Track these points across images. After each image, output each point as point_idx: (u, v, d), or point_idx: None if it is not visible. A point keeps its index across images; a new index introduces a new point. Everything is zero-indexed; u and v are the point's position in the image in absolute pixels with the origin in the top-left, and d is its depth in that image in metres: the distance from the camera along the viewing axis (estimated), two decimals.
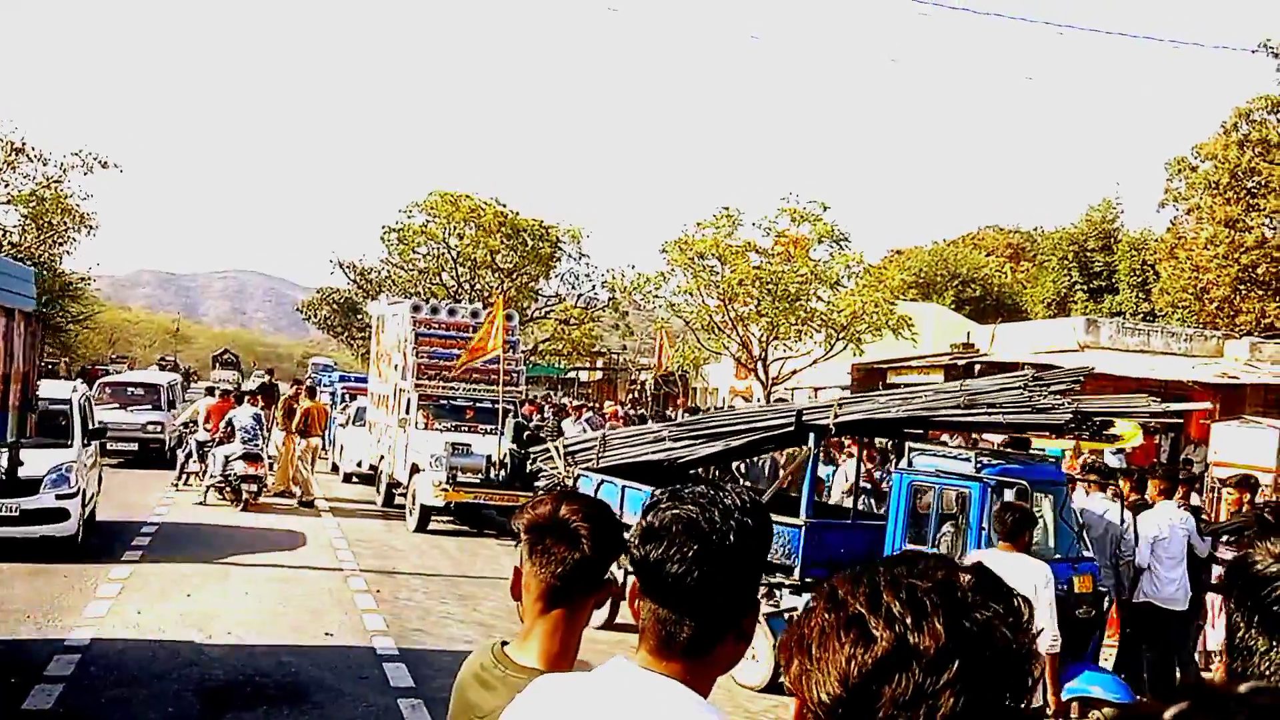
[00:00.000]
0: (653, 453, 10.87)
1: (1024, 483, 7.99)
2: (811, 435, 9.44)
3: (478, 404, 17.49)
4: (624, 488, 10.54)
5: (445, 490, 15.29)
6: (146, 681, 7.69)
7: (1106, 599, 8.14)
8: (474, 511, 16.18)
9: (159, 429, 21.82)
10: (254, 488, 16.19)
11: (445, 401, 17.47)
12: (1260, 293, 27.42)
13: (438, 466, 15.42)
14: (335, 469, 22.50)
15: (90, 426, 13.07)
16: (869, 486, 13.15)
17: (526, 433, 16.92)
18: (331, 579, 11.79)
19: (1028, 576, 6.15)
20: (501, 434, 16.05)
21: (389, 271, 41.58)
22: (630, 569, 1.72)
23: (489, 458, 15.64)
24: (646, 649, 1.67)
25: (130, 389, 23.29)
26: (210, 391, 22.73)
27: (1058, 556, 7.91)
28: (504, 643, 2.21)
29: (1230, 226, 27.33)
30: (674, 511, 1.67)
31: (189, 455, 18.02)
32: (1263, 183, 27.05)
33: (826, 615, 1.07)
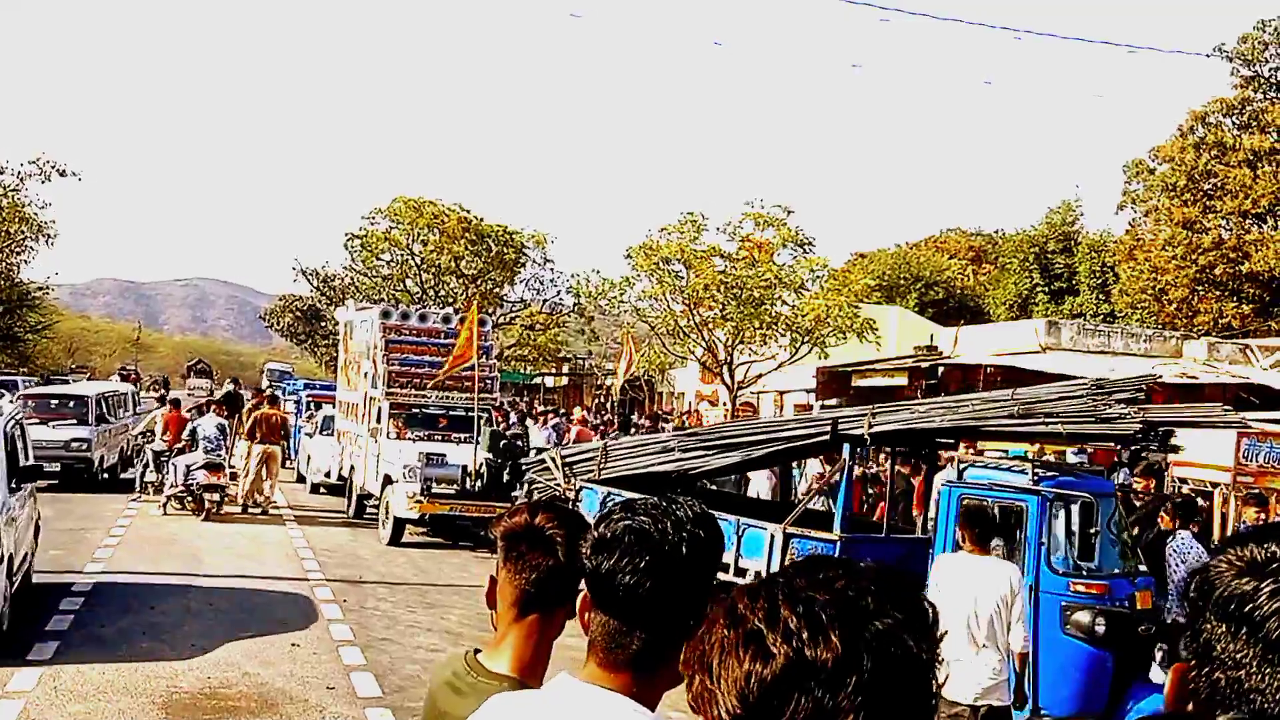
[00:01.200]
0: (660, 464, 10.52)
1: (1087, 495, 7.73)
2: (845, 446, 9.17)
3: (451, 412, 17.03)
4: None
5: (419, 502, 14.84)
6: (112, 696, 7.60)
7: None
8: (449, 523, 15.69)
9: (84, 447, 18.73)
10: (216, 496, 16.14)
11: (417, 410, 16.99)
12: (1217, 293, 27.86)
13: (411, 477, 14.99)
14: (302, 479, 21.99)
15: (23, 461, 10.09)
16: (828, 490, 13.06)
17: (503, 442, 16.44)
18: (297, 589, 11.70)
19: (1003, 577, 6.22)
20: (477, 443, 15.59)
21: (352, 278, 41.34)
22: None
23: (464, 468, 15.21)
24: (595, 661, 1.66)
25: (53, 402, 20.39)
26: (163, 401, 22.02)
27: (1116, 571, 7.81)
28: (476, 650, 2.21)
29: (1188, 228, 27.75)
30: (626, 522, 1.67)
31: (146, 465, 17.86)
32: (1219, 185, 27.50)
33: (726, 631, 1.05)
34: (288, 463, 24.15)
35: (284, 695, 7.89)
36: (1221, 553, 0.99)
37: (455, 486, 15.08)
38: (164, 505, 16.37)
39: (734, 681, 1.02)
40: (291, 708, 7.65)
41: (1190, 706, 0.98)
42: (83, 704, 7.41)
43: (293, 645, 9.27)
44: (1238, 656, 0.93)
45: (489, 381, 17.08)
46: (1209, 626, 0.96)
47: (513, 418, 25.62)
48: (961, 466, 8.49)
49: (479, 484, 15.12)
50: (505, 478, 15.11)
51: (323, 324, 49.98)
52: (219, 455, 16.42)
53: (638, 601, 1.63)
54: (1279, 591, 0.92)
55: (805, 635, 1.00)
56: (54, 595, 10.39)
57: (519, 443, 17.45)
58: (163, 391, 26.77)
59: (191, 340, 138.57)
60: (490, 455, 15.54)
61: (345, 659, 8.96)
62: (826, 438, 9.38)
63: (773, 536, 9.15)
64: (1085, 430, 8.10)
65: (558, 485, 11.02)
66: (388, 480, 15.60)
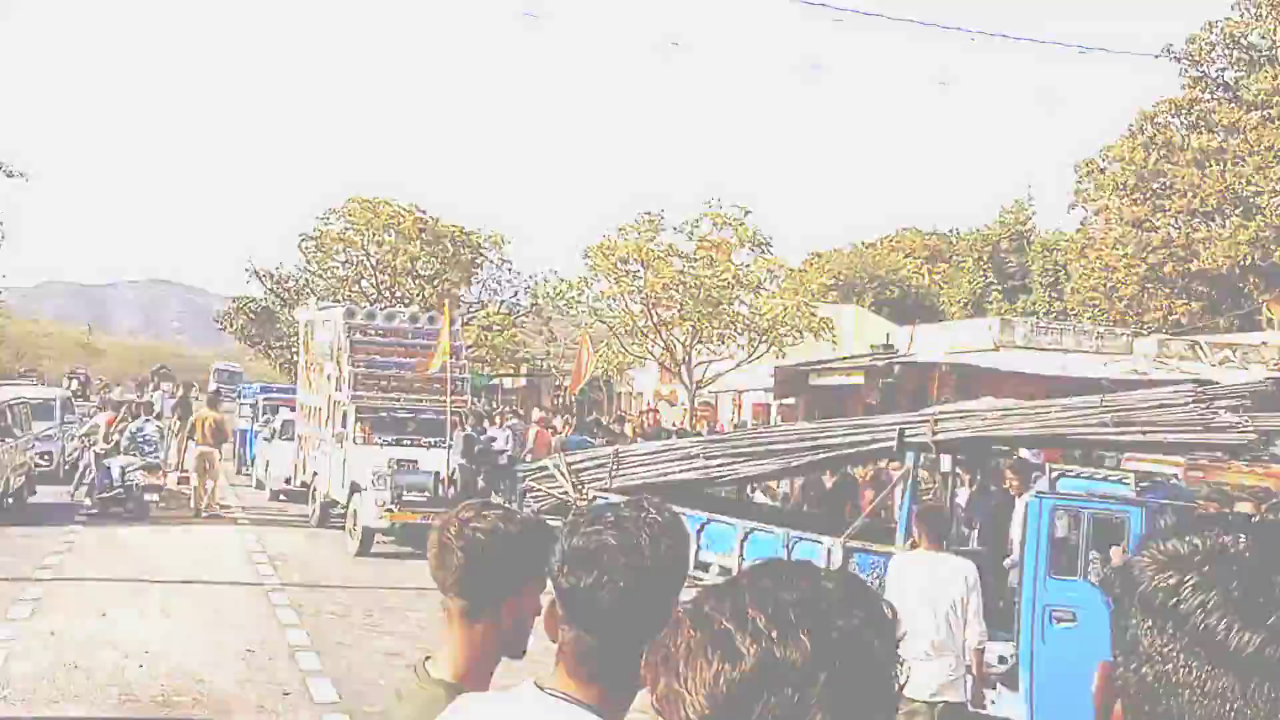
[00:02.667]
0: (680, 471, 9.99)
1: (1195, 508, 7.43)
2: (910, 454, 8.66)
3: (420, 415, 16.34)
4: None
5: (390, 511, 14.12)
6: (64, 704, 7.46)
7: None
8: (420, 533, 14.59)
9: None
10: (155, 497, 16.25)
11: (385, 414, 16.24)
12: (1167, 291, 28.33)
13: (381, 485, 14.26)
14: (260, 485, 21.26)
15: None
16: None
17: (478, 447, 15.93)
18: (252, 594, 11.56)
19: (959, 574, 6.28)
20: (450, 448, 14.95)
21: (307, 279, 40.94)
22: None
23: (437, 474, 14.49)
24: (565, 670, 1.63)
25: None
26: (105, 406, 21.41)
27: None
28: (427, 658, 2.19)
29: (1137, 227, 28.19)
30: (601, 537, 1.62)
31: (87, 468, 17.67)
32: (1168, 184, 27.96)
33: (693, 633, 1.05)
34: (244, 470, 23.92)
35: (239, 701, 7.80)
36: (1145, 549, 1.00)
37: (427, 494, 14.34)
38: (102, 506, 16.20)
39: (703, 682, 1.01)
40: (247, 714, 7.56)
41: (1119, 704, 0.98)
42: (34, 713, 7.27)
43: (248, 651, 9.15)
44: (1165, 651, 0.93)
45: (460, 383, 16.39)
46: (1134, 622, 0.97)
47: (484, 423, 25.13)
48: (1054, 476, 8.00)
49: (453, 491, 14.32)
50: (480, 484, 14.72)
51: (277, 326, 49.41)
52: (155, 456, 16.54)
53: (615, 617, 1.59)
54: (1202, 584, 0.93)
55: (774, 635, 1.00)
56: (2, 601, 10.19)
57: (494, 447, 16.79)
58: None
59: (143, 343, 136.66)
60: (464, 461, 14.98)
61: (302, 664, 8.86)
62: (891, 445, 8.73)
63: (830, 551, 8.62)
64: (1193, 440, 7.65)
65: (564, 495, 10.41)
66: (355, 488, 14.88)
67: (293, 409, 21.81)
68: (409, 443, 15.84)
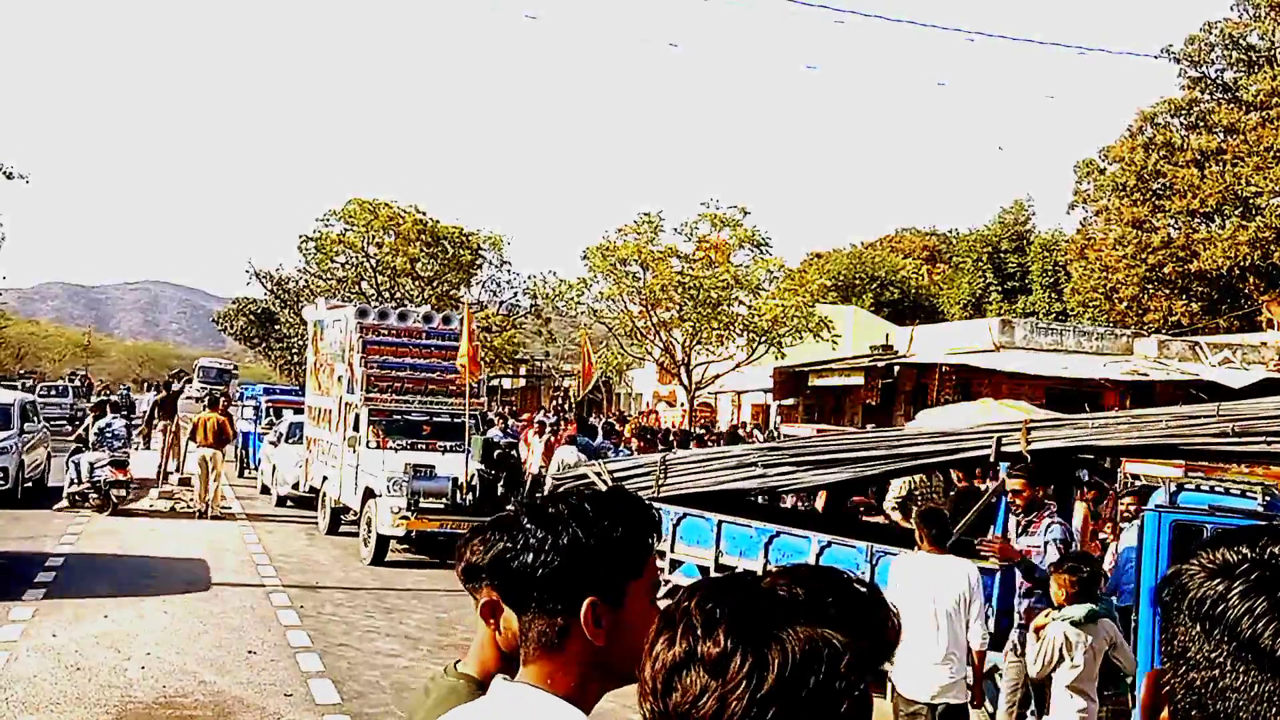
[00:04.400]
0: (736, 480, 9.58)
1: None
2: (1003, 465, 8.31)
3: (435, 418, 15.87)
4: (720, 523, 9.28)
5: (406, 518, 13.65)
6: (65, 707, 7.46)
7: None
8: (433, 540, 14.39)
9: None
10: (122, 492, 16.64)
11: (399, 417, 15.72)
12: (1167, 291, 28.33)
13: (396, 491, 13.78)
14: (266, 490, 20.72)
15: None
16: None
17: (497, 451, 14.97)
18: (253, 595, 11.56)
19: (961, 575, 6.29)
20: (468, 453, 14.32)
21: (307, 281, 40.98)
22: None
23: (455, 480, 13.92)
24: (524, 659, 1.68)
25: None
26: (116, 407, 21.89)
27: None
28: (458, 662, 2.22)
29: (1137, 227, 28.20)
30: (518, 511, 1.72)
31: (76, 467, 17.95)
32: (1167, 184, 27.97)
33: (658, 623, 1.20)
34: (247, 473, 23.83)
35: (241, 703, 7.80)
36: (1194, 556, 1.02)
37: (445, 501, 13.84)
38: (71, 501, 16.59)
39: (650, 663, 1.16)
40: (248, 716, 7.56)
41: (1166, 710, 1.01)
42: (35, 715, 7.27)
43: (249, 652, 9.16)
44: (1212, 657, 0.95)
45: (476, 385, 15.90)
46: (1182, 629, 0.99)
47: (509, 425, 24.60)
48: (1173, 489, 7.66)
49: (471, 498, 13.83)
50: (500, 490, 14.06)
51: (277, 327, 49.47)
52: (123, 453, 17.00)
53: (533, 583, 1.64)
54: (1249, 592, 0.95)
55: (698, 632, 1.12)
56: (3, 605, 10.20)
57: (513, 453, 15.88)
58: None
59: (143, 344, 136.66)
60: (482, 466, 14.22)
61: (303, 665, 8.87)
62: (988, 453, 8.31)
63: (859, 553, 8.37)
64: None
65: None
66: (369, 494, 14.38)
67: (298, 411, 21.65)
68: (424, 447, 15.37)
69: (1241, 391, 19.86)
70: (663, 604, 1.31)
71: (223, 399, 20.22)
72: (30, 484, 17.96)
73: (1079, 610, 6.08)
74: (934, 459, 8.93)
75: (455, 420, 15.43)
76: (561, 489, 11.19)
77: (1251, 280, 27.36)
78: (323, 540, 15.77)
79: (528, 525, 1.68)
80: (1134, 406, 21.64)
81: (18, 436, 17.22)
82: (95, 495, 16.48)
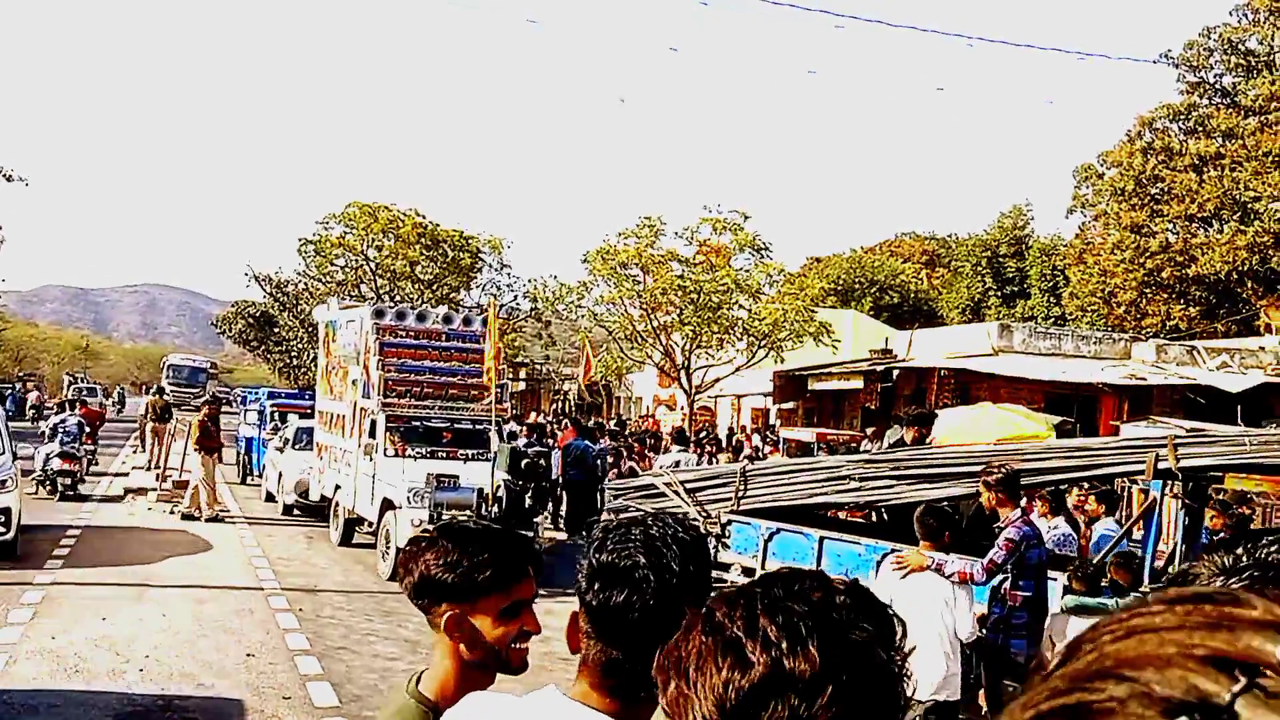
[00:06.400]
0: (826, 493, 9.17)
1: None
2: (1157, 482, 8.09)
3: (456, 425, 15.12)
4: (822, 540, 8.75)
5: (429, 531, 13.20)
6: (65, 710, 7.47)
7: None
8: None
9: None
10: (68, 480, 18.28)
11: (418, 423, 14.96)
12: (1165, 296, 28.36)
13: (417, 502, 13.08)
14: (271, 498, 20.00)
15: None
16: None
17: (525, 461, 14.28)
18: (252, 598, 11.57)
19: (964, 565, 6.37)
20: (494, 462, 13.54)
21: (306, 284, 41.01)
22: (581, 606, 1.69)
23: (480, 491, 13.17)
24: (588, 683, 1.65)
25: None
26: (72, 405, 22.94)
27: None
28: (424, 670, 2.24)
29: (1136, 232, 28.23)
30: (632, 556, 1.64)
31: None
32: (1166, 189, 28.00)
33: (704, 639, 1.07)
34: (250, 479, 23.74)
35: (239, 706, 7.80)
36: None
37: (470, 513, 12.99)
38: (34, 484, 17.97)
39: (711, 688, 1.03)
40: (247, 719, 7.56)
41: None
42: (35, 718, 7.28)
43: (248, 655, 9.17)
44: None
45: (500, 390, 15.14)
46: None
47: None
48: None
49: (497, 510, 13.14)
50: (528, 503, 13.60)
51: (275, 330, 49.49)
52: (74, 447, 18.66)
53: (643, 634, 1.60)
54: (1246, 589, 0.99)
55: (784, 645, 1.03)
56: (1, 607, 10.21)
57: (541, 462, 15.16)
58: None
59: (142, 348, 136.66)
60: (509, 477, 13.50)
61: (302, 669, 8.87)
62: (1141, 470, 8.01)
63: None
64: None
65: (688, 516, 9.07)
66: (388, 505, 13.66)
67: (303, 416, 21.28)
68: (446, 455, 14.64)
69: (1239, 396, 19.89)
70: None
71: (207, 403, 19.79)
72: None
73: (1073, 600, 6.30)
74: (1070, 475, 8.55)
75: (478, 427, 14.85)
76: (618, 500, 10.79)
77: (1249, 285, 27.39)
78: (323, 544, 15.75)
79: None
80: (1131, 411, 21.68)
81: (11, 464, 13.16)
82: (48, 484, 18.27)
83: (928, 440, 10.03)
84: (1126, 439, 9.16)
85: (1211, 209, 27.32)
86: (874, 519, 10.95)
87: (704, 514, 9.40)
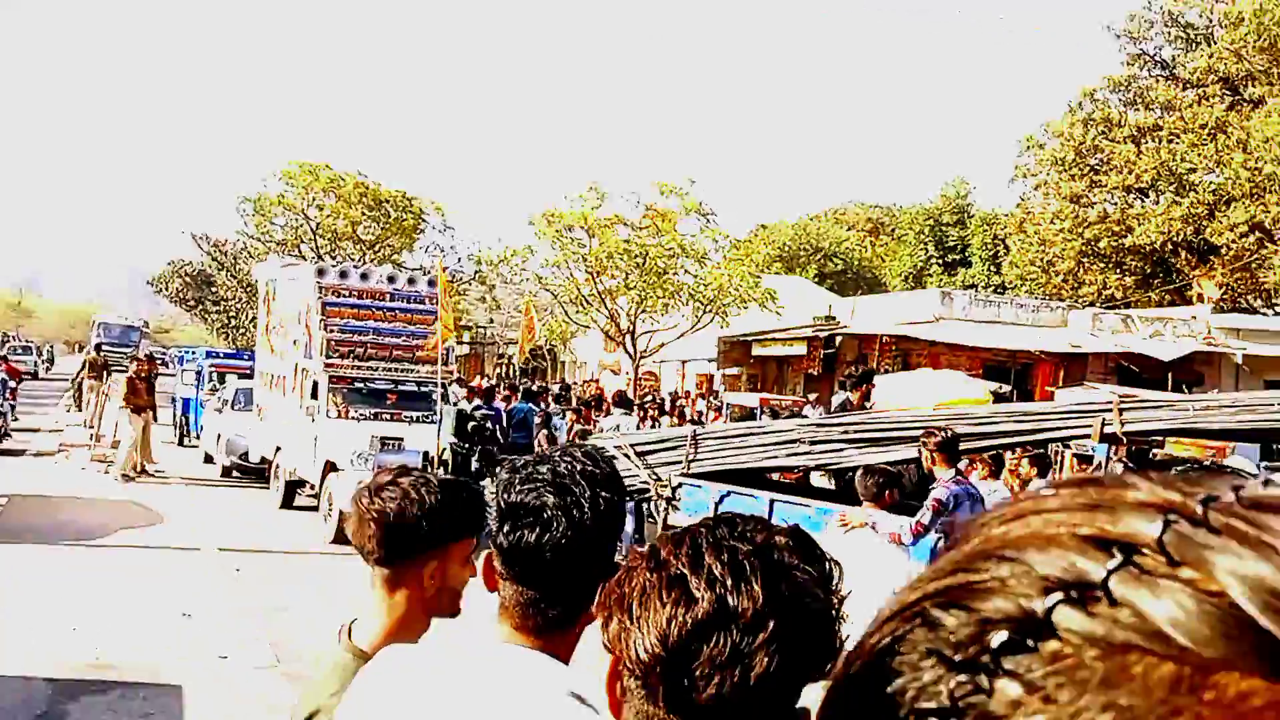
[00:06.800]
0: (777, 456, 9.23)
1: None
2: (1106, 446, 8.32)
3: (400, 387, 15.07)
4: (772, 501, 8.81)
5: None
6: None
7: None
8: None
9: None
10: None
11: (362, 385, 14.81)
12: (1102, 265, 28.85)
13: (361, 465, 12.84)
14: (209, 460, 19.72)
15: None
16: None
17: (471, 424, 14.18)
18: (188, 559, 11.44)
19: (895, 524, 6.45)
20: (440, 425, 13.52)
21: (245, 243, 40.36)
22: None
23: (426, 454, 13.03)
24: (510, 625, 1.63)
25: None
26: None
27: None
28: (354, 621, 2.21)
29: (1075, 202, 28.65)
30: (540, 494, 1.61)
31: None
32: (1105, 160, 28.40)
33: (649, 575, 1.09)
34: (188, 441, 23.49)
35: (176, 666, 7.72)
36: None
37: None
38: None
39: (655, 624, 1.06)
40: (183, 677, 7.49)
41: None
42: None
43: (184, 615, 9.07)
44: None
45: (446, 353, 14.93)
46: None
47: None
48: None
49: (442, 473, 13.22)
50: (474, 465, 13.37)
51: (213, 290, 48.72)
52: None
53: (559, 573, 1.60)
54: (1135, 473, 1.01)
55: (729, 583, 1.05)
56: None
57: (488, 425, 14.96)
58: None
59: (76, 306, 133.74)
60: (455, 439, 13.51)
61: (240, 628, 8.80)
62: (1086, 434, 8.13)
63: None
64: None
65: (637, 481, 9.38)
66: (330, 467, 13.49)
67: (242, 376, 21.00)
68: (390, 417, 14.56)
69: (1171, 364, 20.34)
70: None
71: (135, 359, 19.62)
72: None
73: None
74: (1018, 439, 8.65)
75: (423, 390, 14.77)
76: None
77: (1183, 255, 27.95)
78: (262, 506, 15.59)
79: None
80: (1068, 378, 22.08)
81: None
82: None
83: (870, 402, 10.14)
84: (1074, 404, 9.27)
85: (1148, 180, 27.78)
86: (809, 481, 11.17)
87: (654, 477, 9.38)
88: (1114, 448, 8.86)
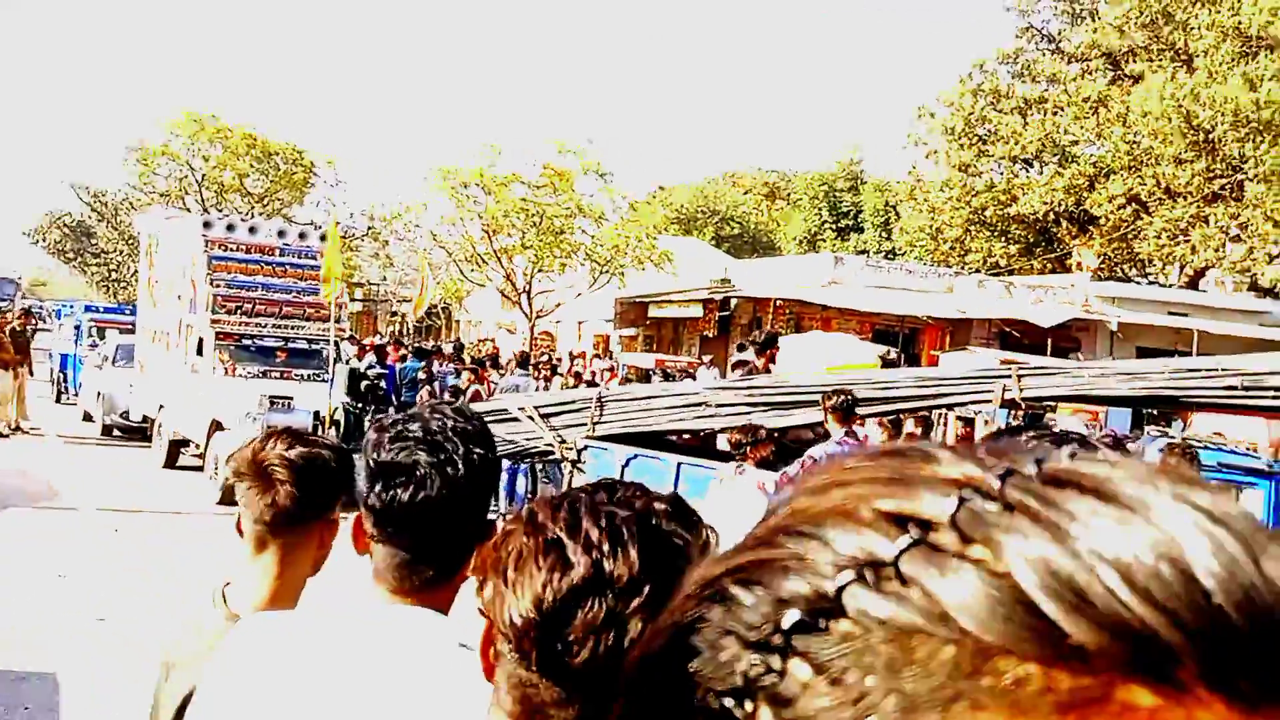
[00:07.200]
0: (684, 419, 9.17)
1: None
2: (1005, 411, 8.31)
3: (290, 345, 14.65)
4: (679, 464, 8.76)
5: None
6: None
7: None
8: None
9: None
10: None
11: (249, 341, 14.43)
12: (987, 233, 29.64)
13: (249, 424, 12.39)
14: (89, 418, 19.07)
15: None
16: None
17: (364, 383, 13.72)
18: (64, 518, 11.10)
19: (763, 477, 6.62)
20: (332, 384, 13.14)
21: (127, 194, 38.95)
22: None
23: (317, 414, 12.72)
24: (387, 589, 1.59)
25: None
26: None
27: None
28: (228, 584, 2.16)
29: (963, 171, 29.32)
30: (412, 452, 1.57)
31: None
32: (992, 130, 29.10)
33: (525, 539, 1.09)
34: (66, 398, 22.74)
35: (51, 628, 7.52)
36: None
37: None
38: None
39: (530, 588, 1.06)
40: (57, 639, 7.30)
41: None
42: None
43: (60, 576, 8.82)
44: None
45: (339, 310, 14.72)
46: None
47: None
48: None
49: (335, 433, 12.50)
50: (367, 425, 13.50)
51: (93, 241, 46.98)
52: None
53: (433, 532, 1.57)
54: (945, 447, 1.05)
55: (605, 548, 1.05)
56: None
57: (382, 384, 14.61)
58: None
59: None
60: (348, 399, 13.16)
61: (118, 588, 8.59)
62: (989, 399, 8.19)
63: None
64: None
65: (541, 443, 9.36)
66: (217, 426, 13.10)
67: (124, 331, 20.34)
68: (279, 375, 14.16)
69: (1051, 330, 21.06)
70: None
71: (10, 316, 18.93)
72: None
73: None
74: (920, 404, 8.79)
75: (313, 347, 14.48)
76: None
77: (1065, 225, 28.88)
78: (144, 466, 15.18)
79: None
80: (953, 342, 22.70)
81: None
82: None
83: (775, 365, 10.30)
84: (974, 370, 9.51)
85: (1033, 151, 28.57)
86: (715, 445, 11.31)
87: (559, 439, 9.32)
88: (1011, 412, 9.18)
